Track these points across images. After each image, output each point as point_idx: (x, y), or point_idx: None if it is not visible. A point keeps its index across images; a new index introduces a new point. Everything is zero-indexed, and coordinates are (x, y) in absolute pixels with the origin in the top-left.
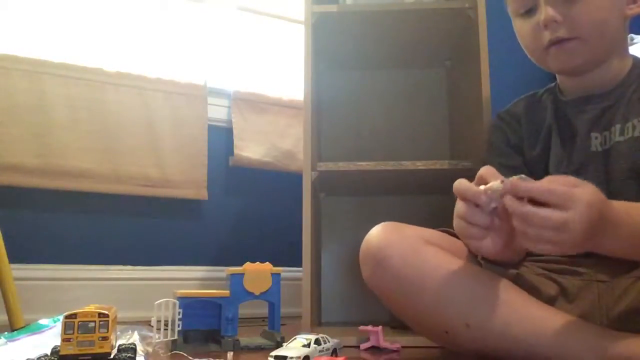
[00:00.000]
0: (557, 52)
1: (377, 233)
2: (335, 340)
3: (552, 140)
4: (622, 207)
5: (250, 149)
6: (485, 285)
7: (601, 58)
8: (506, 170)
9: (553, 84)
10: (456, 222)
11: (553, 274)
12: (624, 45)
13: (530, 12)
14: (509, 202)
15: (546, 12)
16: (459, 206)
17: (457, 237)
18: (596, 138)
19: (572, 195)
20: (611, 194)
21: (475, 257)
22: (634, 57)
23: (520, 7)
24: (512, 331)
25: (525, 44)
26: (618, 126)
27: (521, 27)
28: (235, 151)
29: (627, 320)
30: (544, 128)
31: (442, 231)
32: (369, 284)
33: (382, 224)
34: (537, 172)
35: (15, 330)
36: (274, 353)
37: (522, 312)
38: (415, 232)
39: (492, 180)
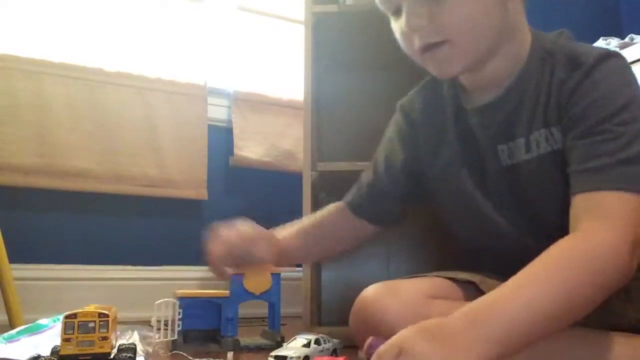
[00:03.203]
0: (431, 58)
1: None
2: (335, 340)
3: (454, 155)
4: (478, 305)
5: (250, 149)
6: None
7: (483, 56)
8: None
9: None
10: None
11: None
12: (515, 32)
13: (397, 13)
14: None
15: (407, 17)
16: None
17: (449, 279)
18: (502, 151)
19: (395, 340)
20: (532, 214)
21: (476, 291)
22: (534, 35)
23: (387, 9)
24: None
25: (402, 46)
26: (522, 140)
27: (395, 30)
28: (235, 151)
29: None
30: (445, 141)
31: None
32: None
33: (373, 293)
34: (441, 191)
35: (15, 330)
36: (274, 353)
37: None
38: (413, 296)
39: None
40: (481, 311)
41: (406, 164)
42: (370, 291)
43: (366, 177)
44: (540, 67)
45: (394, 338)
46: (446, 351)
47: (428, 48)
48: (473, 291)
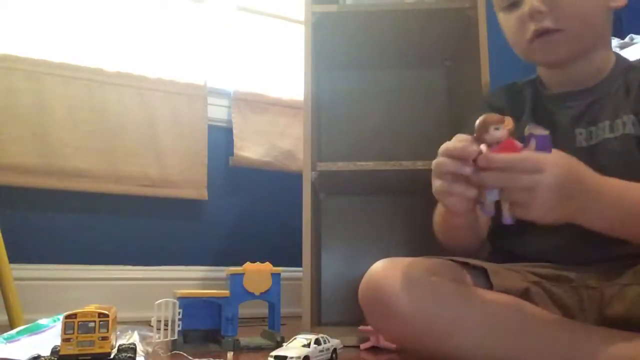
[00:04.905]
0: (542, 43)
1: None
2: (336, 340)
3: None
4: (606, 180)
5: (250, 149)
6: (528, 317)
7: (586, 50)
8: None
9: (534, 77)
10: (440, 183)
11: (545, 282)
12: (608, 39)
13: (514, 5)
14: (485, 161)
15: (531, 2)
16: (445, 162)
17: (457, 262)
18: (580, 134)
19: (543, 160)
20: None
21: (484, 281)
22: (616, 54)
23: (504, 1)
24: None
25: (510, 38)
26: (607, 122)
27: (506, 21)
28: (235, 151)
29: (612, 327)
30: (522, 124)
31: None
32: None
33: (380, 267)
34: None
35: (15, 330)
36: (274, 353)
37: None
38: (420, 273)
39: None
40: (596, 185)
41: None
42: (379, 265)
43: None
44: (626, 73)
45: (542, 161)
46: (553, 208)
47: (542, 33)
48: (482, 279)
